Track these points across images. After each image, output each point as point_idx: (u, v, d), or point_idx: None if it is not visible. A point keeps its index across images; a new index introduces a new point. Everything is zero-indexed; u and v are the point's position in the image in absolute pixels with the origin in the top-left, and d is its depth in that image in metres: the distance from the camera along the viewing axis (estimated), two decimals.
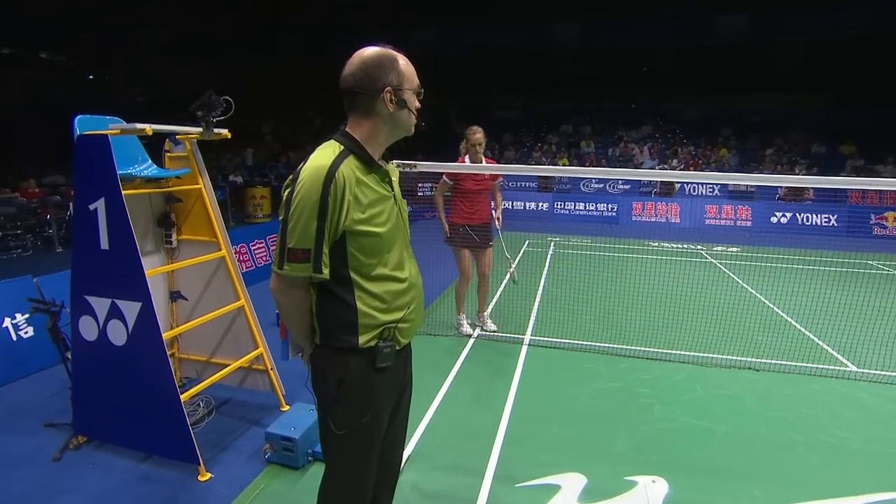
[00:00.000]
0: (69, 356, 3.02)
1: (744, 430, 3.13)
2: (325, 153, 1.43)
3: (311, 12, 23.58)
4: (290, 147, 19.53)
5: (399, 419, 1.80)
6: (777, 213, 12.22)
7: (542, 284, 6.56)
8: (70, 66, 22.04)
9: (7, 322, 3.80)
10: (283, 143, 20.52)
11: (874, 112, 16.38)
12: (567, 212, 13.79)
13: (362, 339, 1.48)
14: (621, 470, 2.69)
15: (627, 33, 21.09)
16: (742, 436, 3.06)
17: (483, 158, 4.35)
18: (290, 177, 1.44)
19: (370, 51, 1.47)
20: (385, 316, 1.50)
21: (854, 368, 4.04)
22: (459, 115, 22.03)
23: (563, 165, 15.19)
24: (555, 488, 2.54)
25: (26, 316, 3.92)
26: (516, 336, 4.64)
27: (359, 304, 1.47)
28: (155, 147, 3.21)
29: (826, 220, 11.86)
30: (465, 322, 4.69)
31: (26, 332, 3.90)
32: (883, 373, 3.92)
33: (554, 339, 4.56)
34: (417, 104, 1.52)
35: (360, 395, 1.52)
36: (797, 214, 12.03)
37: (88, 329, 2.72)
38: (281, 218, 1.42)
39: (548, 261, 8.21)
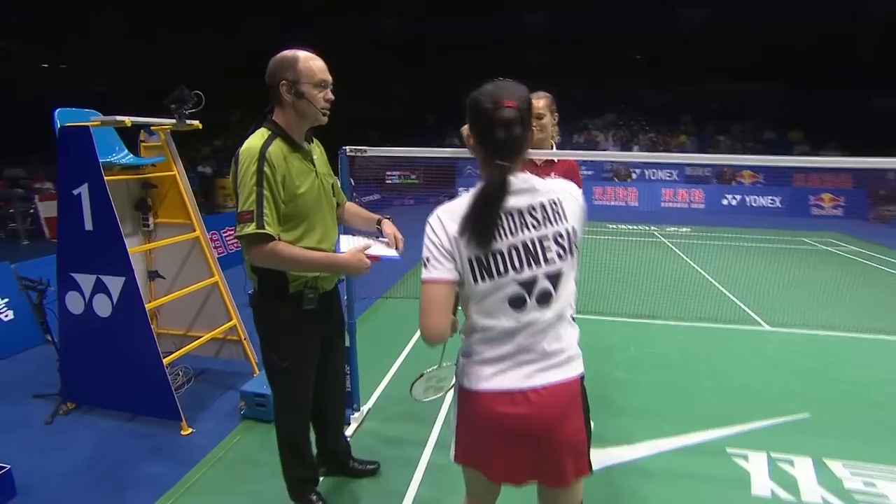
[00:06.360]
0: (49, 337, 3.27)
1: (665, 380, 3.61)
2: (255, 138, 1.78)
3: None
4: None
5: (337, 352, 2.24)
6: (728, 196, 12.98)
7: None
8: (23, 55, 21.29)
9: None
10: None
11: (820, 101, 17.38)
12: None
13: (292, 287, 1.89)
14: None
15: (594, 22, 21.61)
16: (663, 384, 3.54)
17: (552, 144, 2.53)
18: (233, 159, 1.79)
19: (281, 53, 1.81)
20: (309, 273, 1.90)
21: (767, 328, 4.60)
22: (429, 105, 22.23)
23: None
24: None
25: (6, 300, 4.11)
26: None
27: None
28: (130, 137, 3.45)
29: (771, 201, 12.67)
30: None
31: (7, 316, 4.09)
32: (790, 330, 4.50)
33: None
34: (327, 96, 1.83)
35: (294, 332, 1.93)
36: (745, 196, 12.82)
37: (75, 303, 2.98)
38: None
39: None
